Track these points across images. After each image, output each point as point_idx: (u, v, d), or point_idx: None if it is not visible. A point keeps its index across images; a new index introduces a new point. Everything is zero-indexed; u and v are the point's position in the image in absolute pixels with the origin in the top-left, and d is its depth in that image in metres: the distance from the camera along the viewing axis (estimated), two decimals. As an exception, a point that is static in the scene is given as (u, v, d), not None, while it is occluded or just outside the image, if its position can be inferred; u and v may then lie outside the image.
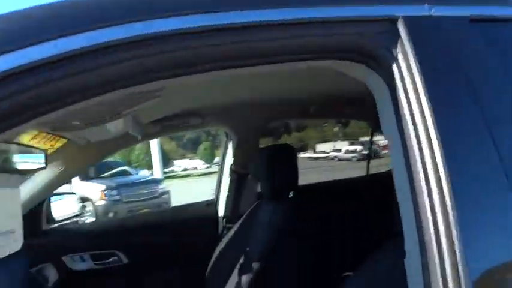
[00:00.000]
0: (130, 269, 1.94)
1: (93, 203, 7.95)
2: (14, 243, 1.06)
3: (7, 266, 1.64)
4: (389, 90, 0.69)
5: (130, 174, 9.92)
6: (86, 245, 1.91)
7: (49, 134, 1.65)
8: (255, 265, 1.51)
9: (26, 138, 1.63)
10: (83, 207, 8.10)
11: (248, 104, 1.84)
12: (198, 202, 2.21)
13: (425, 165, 0.63)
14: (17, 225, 1.06)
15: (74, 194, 2.15)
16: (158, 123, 1.77)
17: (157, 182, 9.01)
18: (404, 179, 0.64)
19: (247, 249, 1.61)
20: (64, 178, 1.82)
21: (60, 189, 1.82)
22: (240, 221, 1.81)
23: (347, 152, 3.98)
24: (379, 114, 0.72)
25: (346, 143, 3.97)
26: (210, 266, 1.82)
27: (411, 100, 0.66)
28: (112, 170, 9.69)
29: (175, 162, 24.14)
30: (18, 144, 1.23)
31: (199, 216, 2.11)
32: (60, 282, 1.80)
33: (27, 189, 1.73)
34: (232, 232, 1.82)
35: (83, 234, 1.94)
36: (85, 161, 1.86)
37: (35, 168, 1.16)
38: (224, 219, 2.05)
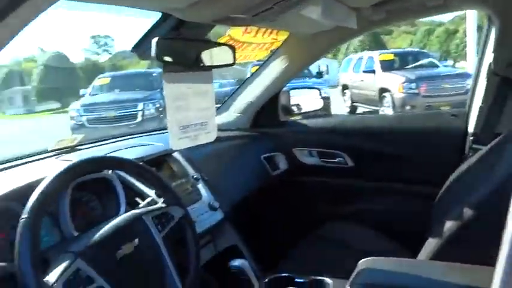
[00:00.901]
0: (353, 173, 1.82)
1: (391, 95, 7.93)
2: (207, 134, 1.14)
3: (241, 151, 1.87)
4: None
5: (436, 66, 9.10)
6: (316, 141, 1.91)
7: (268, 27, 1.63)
8: (478, 211, 1.06)
9: (237, 33, 1.67)
10: (382, 97, 8.26)
11: None
12: (445, 112, 1.74)
13: None
14: (210, 117, 1.13)
15: (318, 89, 2.13)
16: (381, 7, 1.40)
17: (464, 76, 7.68)
18: None
19: (480, 186, 1.15)
20: (292, 70, 1.80)
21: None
22: (489, 146, 1.29)
23: None
24: None
25: None
26: (441, 192, 1.46)
27: None
28: (418, 61, 9.18)
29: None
30: (208, 41, 1.26)
31: (443, 129, 1.67)
32: (287, 172, 1.92)
33: (260, 81, 1.83)
34: (476, 158, 1.34)
35: (315, 130, 1.93)
36: (310, 54, 1.76)
37: (224, 64, 1.17)
38: (472, 138, 1.54)
